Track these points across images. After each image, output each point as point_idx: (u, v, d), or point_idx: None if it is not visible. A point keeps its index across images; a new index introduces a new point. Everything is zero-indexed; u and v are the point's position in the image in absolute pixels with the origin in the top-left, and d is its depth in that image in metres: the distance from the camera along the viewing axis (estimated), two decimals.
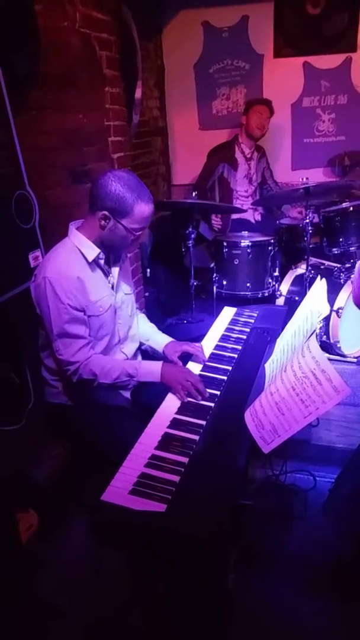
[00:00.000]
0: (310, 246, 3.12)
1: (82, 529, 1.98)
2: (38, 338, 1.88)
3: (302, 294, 3.05)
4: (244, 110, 3.82)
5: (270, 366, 1.65)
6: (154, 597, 1.71)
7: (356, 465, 2.03)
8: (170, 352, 1.98)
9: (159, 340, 2.06)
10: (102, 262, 1.82)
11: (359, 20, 4.05)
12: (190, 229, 3.13)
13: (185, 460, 1.38)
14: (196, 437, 1.48)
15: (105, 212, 1.70)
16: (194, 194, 3.20)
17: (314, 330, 1.47)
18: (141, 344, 2.09)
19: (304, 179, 2.97)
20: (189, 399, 1.68)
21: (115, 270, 1.89)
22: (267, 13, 4.13)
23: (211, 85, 4.44)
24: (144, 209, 1.71)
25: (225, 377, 1.81)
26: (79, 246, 1.77)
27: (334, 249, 3.29)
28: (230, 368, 1.87)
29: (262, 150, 3.94)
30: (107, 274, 1.87)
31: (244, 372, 1.81)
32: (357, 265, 1.68)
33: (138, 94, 3.84)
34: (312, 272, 3.08)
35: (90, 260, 1.77)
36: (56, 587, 1.84)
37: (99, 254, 1.79)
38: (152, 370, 1.79)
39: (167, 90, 4.50)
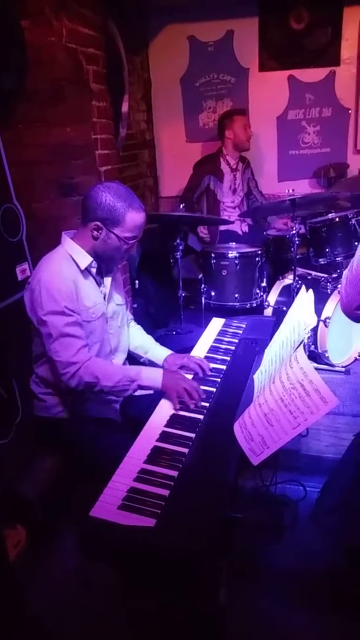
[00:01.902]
0: (297, 257, 3.14)
1: (72, 544, 1.96)
2: (26, 351, 1.87)
3: (290, 305, 3.03)
4: (225, 124, 3.79)
5: (259, 377, 1.66)
6: (145, 613, 1.69)
7: (341, 475, 2.04)
8: (170, 366, 1.96)
9: (159, 353, 2.04)
10: (94, 270, 1.83)
11: (341, 35, 4.13)
12: (178, 241, 3.15)
13: (174, 473, 1.37)
14: (185, 450, 1.47)
15: (97, 223, 1.72)
16: (181, 206, 3.22)
17: (302, 341, 1.48)
18: (139, 356, 2.08)
19: (290, 191, 3.00)
20: (178, 412, 1.68)
21: (107, 281, 1.90)
22: (251, 28, 4.20)
23: (197, 98, 4.48)
24: (135, 217, 1.73)
25: (214, 389, 1.81)
26: (71, 254, 1.78)
27: (321, 260, 3.32)
28: (219, 379, 1.87)
29: (247, 161, 3.98)
30: (99, 283, 1.87)
31: (233, 384, 1.81)
32: (344, 274, 1.70)
33: (125, 107, 3.86)
34: (300, 282, 3.10)
35: (82, 267, 1.78)
36: (46, 604, 1.81)
37: (92, 262, 1.80)
38: (153, 376, 1.77)
39: (153, 103, 4.54)
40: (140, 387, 1.76)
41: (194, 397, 1.70)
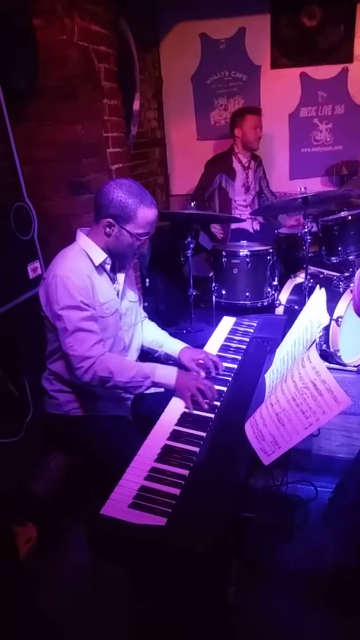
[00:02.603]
0: (309, 255, 3.11)
1: (82, 542, 1.96)
2: (37, 349, 1.87)
3: (302, 303, 3.05)
4: (235, 122, 3.78)
5: (271, 376, 1.64)
6: (154, 612, 1.69)
7: (356, 474, 2.02)
8: (187, 359, 1.95)
9: (174, 346, 2.03)
10: (108, 267, 1.83)
11: (354, 32, 4.09)
12: (189, 239, 3.14)
13: (185, 472, 1.36)
14: (196, 449, 1.47)
15: (110, 220, 1.73)
16: (192, 204, 3.21)
17: (314, 340, 1.47)
18: (154, 351, 2.08)
19: (302, 189, 2.98)
20: (188, 411, 1.67)
21: (120, 277, 1.90)
22: (263, 25, 4.16)
23: (209, 96, 4.46)
24: (147, 213, 1.73)
25: (225, 388, 1.80)
26: (86, 250, 1.78)
27: (333, 258, 3.29)
28: (230, 378, 1.86)
29: (259, 160, 3.96)
30: (113, 280, 1.88)
31: (244, 383, 1.80)
32: (356, 273, 1.68)
33: (136, 105, 3.87)
34: (311, 281, 3.08)
35: (97, 263, 1.78)
36: (56, 602, 1.81)
37: (106, 259, 1.80)
38: (167, 373, 1.76)
39: (165, 101, 4.53)
40: (154, 385, 1.75)
41: (208, 396, 1.69)
